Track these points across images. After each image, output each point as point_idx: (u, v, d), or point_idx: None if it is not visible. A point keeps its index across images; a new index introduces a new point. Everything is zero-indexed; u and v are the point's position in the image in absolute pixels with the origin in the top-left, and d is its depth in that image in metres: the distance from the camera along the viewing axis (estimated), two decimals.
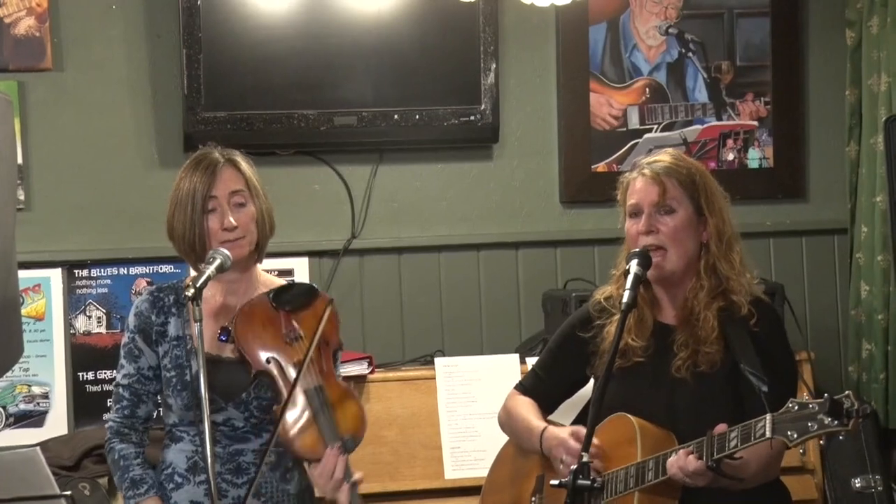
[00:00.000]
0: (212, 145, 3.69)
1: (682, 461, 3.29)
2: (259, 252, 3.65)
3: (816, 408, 3.09)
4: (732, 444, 3.22)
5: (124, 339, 3.67)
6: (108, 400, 3.94)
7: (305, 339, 3.53)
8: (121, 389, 3.63)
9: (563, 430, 3.60)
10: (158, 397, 3.67)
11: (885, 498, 4.87)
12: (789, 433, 3.11)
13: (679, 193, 3.52)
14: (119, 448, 3.60)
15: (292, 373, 3.48)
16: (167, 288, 3.69)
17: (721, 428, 3.27)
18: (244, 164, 3.63)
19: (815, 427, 3.08)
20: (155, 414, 3.69)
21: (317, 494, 3.55)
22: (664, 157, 3.60)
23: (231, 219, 3.54)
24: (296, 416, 3.46)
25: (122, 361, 3.65)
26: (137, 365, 3.62)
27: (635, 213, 3.55)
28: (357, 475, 3.46)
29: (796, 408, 3.12)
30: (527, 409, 3.77)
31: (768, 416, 3.15)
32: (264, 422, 3.56)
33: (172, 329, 3.61)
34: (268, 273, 3.81)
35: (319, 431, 3.45)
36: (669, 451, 3.36)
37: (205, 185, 3.54)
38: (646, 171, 3.56)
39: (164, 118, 4.98)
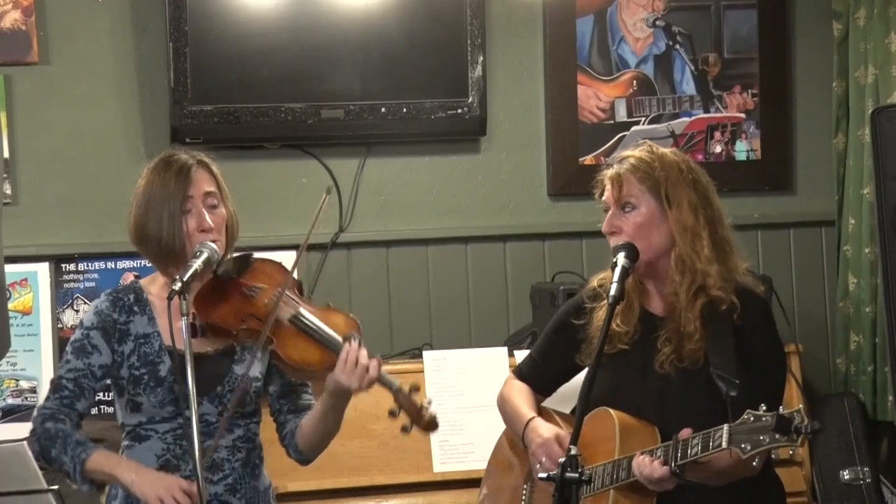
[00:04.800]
0: (176, 147, 3.65)
1: (647, 468, 3.29)
2: (224, 257, 3.56)
3: (769, 421, 3.08)
4: (693, 451, 3.22)
5: (74, 337, 3.53)
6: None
7: (267, 288, 3.53)
8: (63, 381, 3.49)
9: (546, 428, 3.61)
10: (96, 398, 3.58)
11: (873, 490, 4.88)
12: (743, 445, 3.10)
13: (638, 190, 3.50)
14: (51, 425, 3.45)
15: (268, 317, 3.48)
16: (124, 289, 3.60)
17: (685, 433, 3.27)
18: (214, 167, 3.58)
19: (767, 440, 3.07)
20: (89, 412, 3.57)
21: (353, 388, 3.45)
22: (633, 153, 3.58)
23: (209, 220, 3.48)
24: (291, 341, 3.47)
25: (69, 357, 3.51)
26: (88, 361, 3.49)
27: (606, 209, 3.56)
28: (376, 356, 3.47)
29: (751, 419, 3.11)
30: (520, 395, 3.78)
31: (725, 427, 3.15)
32: (237, 415, 3.55)
33: (138, 327, 3.52)
34: None
35: (320, 344, 3.46)
36: (645, 451, 3.35)
37: (181, 186, 3.47)
38: (614, 168, 3.56)
39: (151, 112, 4.97)
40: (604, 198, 3.57)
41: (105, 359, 3.51)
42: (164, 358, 3.50)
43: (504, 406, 3.83)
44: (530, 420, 3.66)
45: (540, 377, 3.81)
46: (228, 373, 3.53)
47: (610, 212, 3.53)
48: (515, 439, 3.78)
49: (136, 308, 3.55)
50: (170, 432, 3.48)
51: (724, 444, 3.13)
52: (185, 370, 3.27)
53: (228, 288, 3.55)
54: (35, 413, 3.54)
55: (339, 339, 3.47)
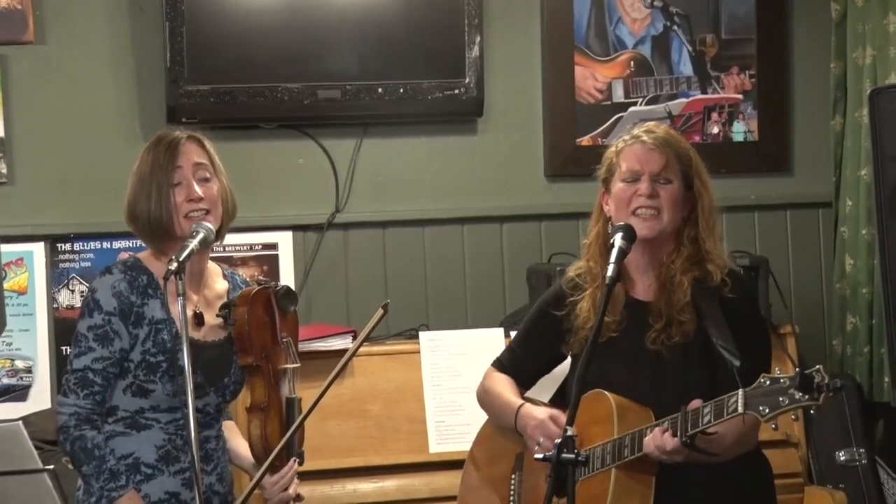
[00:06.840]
0: (172, 127, 3.64)
1: (659, 440, 3.29)
2: (219, 233, 3.51)
3: (787, 382, 3.09)
4: (706, 419, 3.22)
5: (94, 321, 3.40)
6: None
7: (290, 346, 3.54)
8: (90, 374, 3.38)
9: (540, 410, 3.61)
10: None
11: (869, 471, 4.89)
12: (761, 408, 3.11)
13: (676, 166, 3.55)
14: (91, 436, 3.36)
15: (276, 376, 3.52)
16: (133, 267, 3.49)
17: (695, 403, 3.27)
18: (206, 141, 3.54)
19: (787, 402, 3.09)
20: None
21: (266, 500, 3.53)
22: (660, 129, 3.62)
23: (198, 189, 3.44)
24: (274, 422, 3.50)
25: (92, 345, 3.39)
26: (112, 348, 3.39)
27: (633, 178, 3.54)
28: (301, 492, 3.56)
29: (768, 382, 3.12)
30: (503, 385, 3.77)
31: (740, 392, 3.15)
32: (225, 404, 3.58)
33: (153, 311, 3.44)
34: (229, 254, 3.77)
35: (287, 441, 3.44)
36: (645, 427, 3.36)
37: (170, 158, 3.44)
38: (646, 139, 3.56)
39: (147, 92, 4.96)
40: (634, 166, 3.54)
41: (124, 343, 3.42)
42: (183, 346, 3.36)
43: (487, 397, 3.82)
44: (521, 406, 3.66)
45: (521, 369, 3.81)
46: (233, 363, 3.53)
47: (647, 178, 3.52)
48: (502, 430, 3.77)
49: (150, 290, 3.46)
50: (172, 423, 3.44)
51: (741, 409, 3.14)
52: (185, 351, 3.24)
53: (272, 314, 3.53)
54: (65, 409, 3.40)
55: (297, 448, 3.54)
